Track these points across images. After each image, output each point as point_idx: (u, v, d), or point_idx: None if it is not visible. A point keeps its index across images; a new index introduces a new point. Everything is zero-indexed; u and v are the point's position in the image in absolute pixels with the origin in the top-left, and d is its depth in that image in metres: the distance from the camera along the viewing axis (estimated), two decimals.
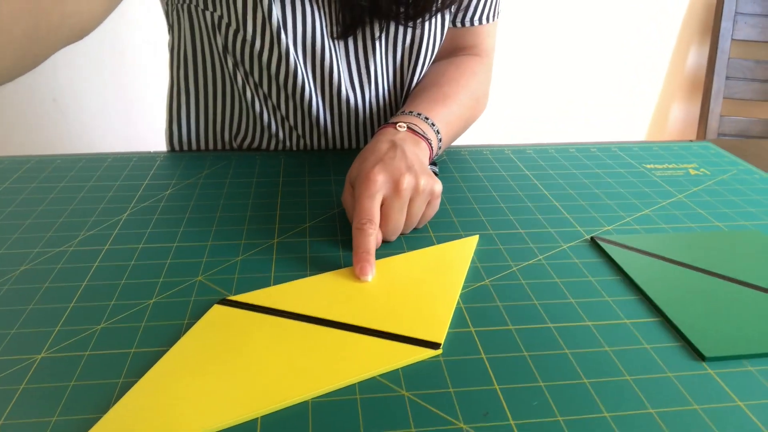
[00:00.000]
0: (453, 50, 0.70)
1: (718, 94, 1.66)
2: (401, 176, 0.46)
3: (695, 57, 1.77)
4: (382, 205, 0.46)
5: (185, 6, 0.62)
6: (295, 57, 0.60)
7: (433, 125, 0.57)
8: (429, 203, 0.49)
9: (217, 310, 0.39)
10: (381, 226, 0.46)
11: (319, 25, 0.59)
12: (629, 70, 1.75)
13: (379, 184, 0.46)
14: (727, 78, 1.65)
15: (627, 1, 1.66)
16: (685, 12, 1.71)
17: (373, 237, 0.44)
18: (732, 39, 1.63)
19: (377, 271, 0.44)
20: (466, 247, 0.48)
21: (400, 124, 0.54)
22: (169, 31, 0.67)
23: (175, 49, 0.66)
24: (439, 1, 0.60)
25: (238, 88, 0.65)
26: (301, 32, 0.59)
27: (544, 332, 0.38)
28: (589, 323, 0.39)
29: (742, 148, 0.72)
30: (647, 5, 1.67)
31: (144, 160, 0.64)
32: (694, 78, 1.79)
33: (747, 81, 1.65)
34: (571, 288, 0.43)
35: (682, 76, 1.79)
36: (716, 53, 1.65)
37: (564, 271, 0.45)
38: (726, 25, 1.63)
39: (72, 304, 0.40)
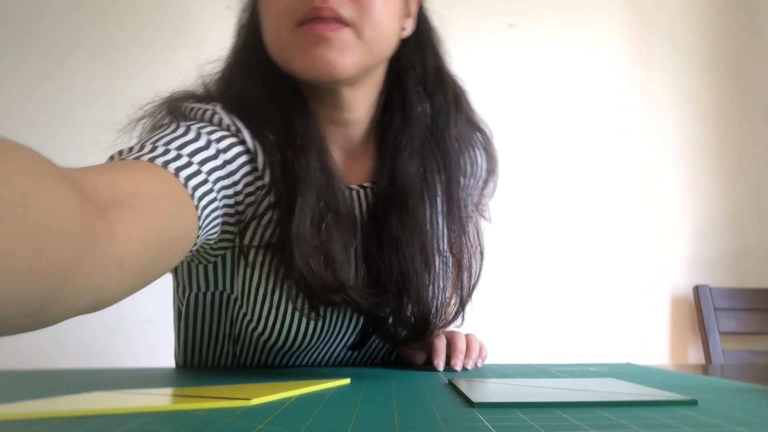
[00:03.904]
0: None
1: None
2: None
3: (694, 352, 1.81)
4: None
5: (209, 293, 0.70)
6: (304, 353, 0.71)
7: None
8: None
9: None
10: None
11: (340, 339, 0.70)
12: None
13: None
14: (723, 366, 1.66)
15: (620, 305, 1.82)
16: (670, 311, 1.83)
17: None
18: (719, 332, 1.71)
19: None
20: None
21: None
22: (180, 304, 0.74)
23: (182, 326, 0.75)
24: (436, 325, 0.69)
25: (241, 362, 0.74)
26: (322, 344, 0.70)
27: None
28: None
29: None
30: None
31: None
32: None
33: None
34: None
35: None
36: (709, 347, 1.70)
37: None
38: (710, 320, 1.73)
39: None
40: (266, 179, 0.62)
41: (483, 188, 0.78)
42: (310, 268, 0.58)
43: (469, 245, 0.70)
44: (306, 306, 0.63)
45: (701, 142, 1.91)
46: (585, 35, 1.92)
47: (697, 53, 1.93)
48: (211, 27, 1.66)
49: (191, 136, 0.56)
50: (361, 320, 0.69)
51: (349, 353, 0.74)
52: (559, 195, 1.85)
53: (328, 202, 0.62)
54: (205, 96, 0.67)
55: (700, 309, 1.76)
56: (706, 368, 0.86)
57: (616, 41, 1.92)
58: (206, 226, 0.54)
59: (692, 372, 0.69)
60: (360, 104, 0.67)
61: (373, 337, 0.70)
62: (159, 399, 0.46)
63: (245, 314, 0.67)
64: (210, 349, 0.75)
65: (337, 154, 0.69)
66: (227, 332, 0.72)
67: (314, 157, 0.62)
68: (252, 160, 0.62)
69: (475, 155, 0.75)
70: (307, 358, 0.73)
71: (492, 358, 0.75)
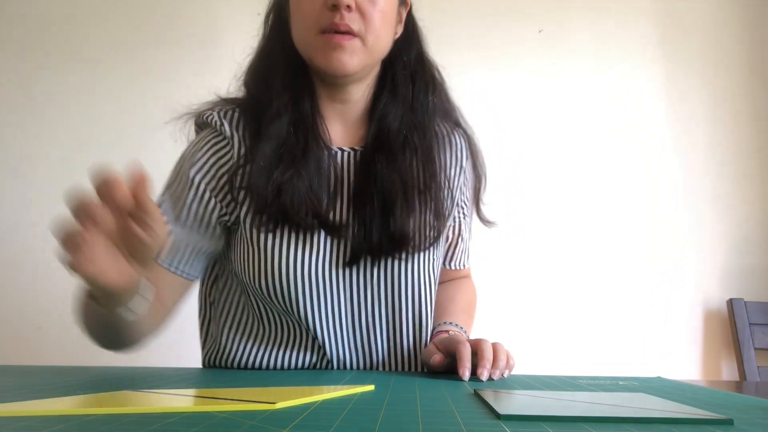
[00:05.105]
0: (448, 278, 0.99)
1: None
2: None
3: (727, 368, 1.76)
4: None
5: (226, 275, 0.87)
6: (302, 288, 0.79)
7: (462, 328, 0.89)
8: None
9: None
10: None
11: (328, 259, 0.79)
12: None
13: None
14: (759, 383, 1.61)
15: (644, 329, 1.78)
16: (703, 325, 1.78)
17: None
18: (754, 348, 1.65)
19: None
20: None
21: (450, 331, 0.85)
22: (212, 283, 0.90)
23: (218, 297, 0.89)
24: (421, 244, 0.82)
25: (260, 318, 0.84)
26: (313, 267, 0.78)
27: None
28: None
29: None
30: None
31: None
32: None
33: None
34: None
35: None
36: (743, 364, 1.65)
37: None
38: (744, 335, 1.67)
39: None
40: (235, 147, 0.81)
41: (470, 164, 0.94)
42: (265, 192, 0.76)
43: (441, 184, 0.87)
44: (278, 230, 0.77)
45: (735, 150, 1.86)
46: (614, 41, 1.88)
47: (730, 59, 1.89)
48: (240, 33, 1.69)
49: (177, 184, 0.82)
50: (348, 244, 0.80)
51: (361, 281, 0.81)
52: (588, 204, 1.82)
53: (291, 150, 0.79)
54: (218, 101, 0.87)
55: (734, 323, 1.71)
56: (740, 385, 0.83)
57: (646, 48, 1.89)
58: (184, 260, 0.81)
59: (725, 389, 0.67)
60: (358, 90, 0.86)
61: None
62: (185, 400, 0.46)
63: (242, 271, 0.80)
64: (240, 323, 0.85)
65: (337, 125, 0.88)
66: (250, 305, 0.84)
67: (286, 120, 0.81)
68: (228, 146, 0.82)
69: (453, 127, 0.94)
70: (321, 301, 0.79)
71: (519, 369, 0.74)
